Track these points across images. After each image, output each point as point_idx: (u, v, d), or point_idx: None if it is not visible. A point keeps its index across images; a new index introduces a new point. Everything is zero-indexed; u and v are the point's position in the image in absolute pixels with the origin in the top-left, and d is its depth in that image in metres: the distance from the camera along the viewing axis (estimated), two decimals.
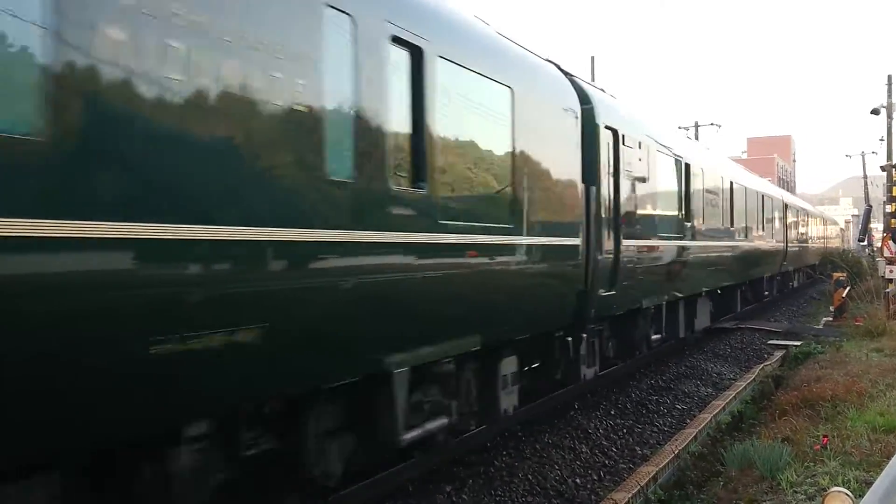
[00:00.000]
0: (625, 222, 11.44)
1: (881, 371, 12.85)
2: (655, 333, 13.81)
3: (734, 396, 12.51)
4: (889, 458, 5.17)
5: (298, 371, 5.55)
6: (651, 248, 13.07)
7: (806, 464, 7.98)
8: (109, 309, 4.12)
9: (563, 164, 9.73)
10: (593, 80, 29.66)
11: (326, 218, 5.58)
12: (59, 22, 3.80)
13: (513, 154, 8.33)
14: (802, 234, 35.92)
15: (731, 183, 20.32)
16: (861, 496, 4.45)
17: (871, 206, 53.74)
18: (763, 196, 25.20)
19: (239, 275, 4.90)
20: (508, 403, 8.72)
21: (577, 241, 9.84)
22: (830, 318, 23.40)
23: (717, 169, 19.13)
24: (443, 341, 7.21)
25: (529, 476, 8.33)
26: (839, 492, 4.37)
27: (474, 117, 7.83)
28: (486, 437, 9.33)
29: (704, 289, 17.27)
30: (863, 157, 64.88)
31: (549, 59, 10.57)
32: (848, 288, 24.83)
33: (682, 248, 15.00)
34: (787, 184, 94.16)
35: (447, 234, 7.00)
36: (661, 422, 11.21)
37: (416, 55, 6.71)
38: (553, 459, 8.92)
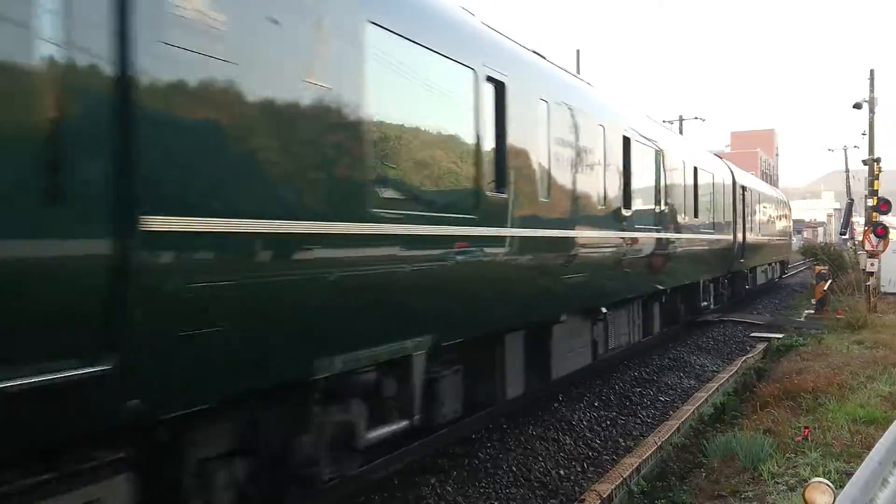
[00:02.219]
0: None
1: (862, 363, 12.99)
2: None
3: (717, 388, 12.59)
4: (869, 449, 5.22)
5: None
6: None
7: (787, 455, 8.05)
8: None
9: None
10: (578, 72, 29.67)
11: None
12: None
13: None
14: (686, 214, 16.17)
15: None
16: (841, 487, 4.50)
17: (852, 200, 54.07)
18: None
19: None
20: None
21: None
22: (812, 311, 23.57)
23: None
24: None
25: (514, 468, 8.35)
26: (820, 482, 4.42)
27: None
28: (471, 429, 9.34)
29: None
30: (845, 151, 65.33)
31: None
32: (830, 281, 25.02)
33: None
34: (770, 178, 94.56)
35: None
36: (645, 414, 11.27)
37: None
38: (537, 451, 8.94)
